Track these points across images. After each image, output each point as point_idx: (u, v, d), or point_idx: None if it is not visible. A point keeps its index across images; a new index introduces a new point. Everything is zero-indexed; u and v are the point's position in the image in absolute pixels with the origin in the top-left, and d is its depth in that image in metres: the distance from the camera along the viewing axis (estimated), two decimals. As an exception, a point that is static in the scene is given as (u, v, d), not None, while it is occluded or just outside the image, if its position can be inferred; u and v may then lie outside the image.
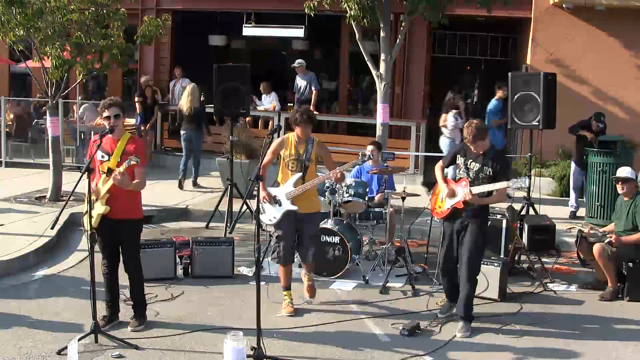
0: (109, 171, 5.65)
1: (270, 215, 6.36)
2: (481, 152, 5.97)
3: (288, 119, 6.47)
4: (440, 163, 6.33)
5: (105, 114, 5.71)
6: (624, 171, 7.36)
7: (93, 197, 5.65)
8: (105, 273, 5.92)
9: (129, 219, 5.80)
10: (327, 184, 7.51)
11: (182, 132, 11.71)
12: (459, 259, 6.08)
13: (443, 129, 11.26)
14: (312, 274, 6.72)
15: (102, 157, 5.73)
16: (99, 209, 5.65)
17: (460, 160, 6.12)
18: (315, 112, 13.12)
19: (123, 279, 5.98)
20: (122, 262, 5.92)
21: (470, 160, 6.02)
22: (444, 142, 11.31)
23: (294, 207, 6.26)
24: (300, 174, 6.29)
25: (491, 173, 5.92)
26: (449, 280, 6.29)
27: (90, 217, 5.54)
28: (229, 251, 7.41)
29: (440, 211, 6.18)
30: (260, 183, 6.21)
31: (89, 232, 5.51)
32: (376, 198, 8.27)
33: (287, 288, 6.47)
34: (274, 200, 6.31)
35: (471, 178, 5.97)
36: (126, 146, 5.71)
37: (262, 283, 5.46)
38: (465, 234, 6.03)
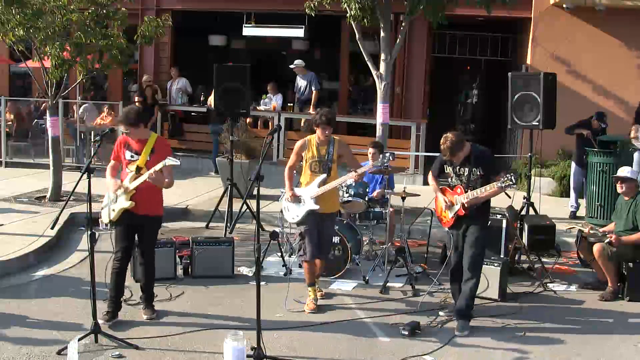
0: (137, 169, 5.85)
1: (294, 213, 6.56)
2: (464, 158, 6.05)
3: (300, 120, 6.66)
4: (431, 174, 6.41)
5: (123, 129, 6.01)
6: (623, 171, 7.37)
7: (119, 192, 5.86)
8: (116, 267, 6.00)
9: (151, 215, 5.99)
10: None
11: (210, 126, 12.61)
12: (463, 257, 6.11)
13: (634, 142, 9.76)
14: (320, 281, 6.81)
15: (132, 156, 5.94)
16: (124, 203, 5.83)
17: (448, 169, 6.21)
18: (314, 112, 13.30)
19: (128, 280, 6.08)
20: (137, 255, 6.17)
21: (458, 167, 6.12)
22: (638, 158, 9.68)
23: (316, 207, 6.42)
24: (324, 175, 6.44)
25: (481, 172, 6.02)
26: (459, 286, 6.25)
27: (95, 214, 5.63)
28: (229, 251, 7.41)
29: (446, 220, 6.26)
30: (287, 184, 6.59)
31: (89, 232, 5.52)
32: (375, 192, 8.25)
33: (312, 284, 6.56)
34: (299, 200, 6.50)
35: (464, 183, 6.06)
36: (154, 145, 5.94)
37: (262, 283, 5.46)
38: (467, 233, 6.08)
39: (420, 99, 14.06)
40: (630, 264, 6.96)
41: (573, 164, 10.46)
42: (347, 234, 7.40)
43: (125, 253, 6.02)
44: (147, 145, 5.92)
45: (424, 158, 12.49)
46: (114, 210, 5.85)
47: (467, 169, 6.05)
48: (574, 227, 9.18)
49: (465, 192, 6.00)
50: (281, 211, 6.90)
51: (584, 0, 11.78)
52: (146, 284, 6.19)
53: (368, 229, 8.14)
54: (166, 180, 5.89)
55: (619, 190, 7.31)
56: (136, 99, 13.46)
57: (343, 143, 6.64)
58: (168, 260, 7.23)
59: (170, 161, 5.69)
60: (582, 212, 10.13)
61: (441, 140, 6.00)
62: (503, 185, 5.82)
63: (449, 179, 6.23)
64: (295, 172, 6.73)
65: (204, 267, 7.34)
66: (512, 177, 5.81)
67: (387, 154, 6.56)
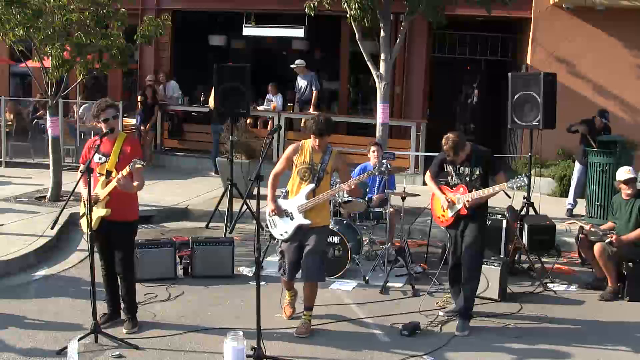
0: (108, 173, 5.66)
1: (282, 229, 5.91)
2: (465, 157, 6.03)
3: (304, 123, 6.13)
4: (429, 173, 6.36)
5: (103, 116, 5.66)
6: (630, 171, 7.31)
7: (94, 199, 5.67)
8: (104, 274, 5.94)
9: (125, 220, 5.80)
10: None
11: (212, 125, 12.60)
12: (462, 257, 6.11)
13: None
14: (311, 310, 5.97)
15: (100, 158, 5.72)
16: (100, 211, 5.65)
17: (449, 168, 6.18)
18: (315, 112, 13.31)
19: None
20: (115, 262, 5.85)
21: (459, 166, 6.10)
22: None
23: (307, 222, 5.80)
24: (312, 185, 5.81)
25: (482, 172, 6.01)
26: (458, 285, 6.25)
27: (90, 219, 5.54)
28: (229, 251, 7.41)
29: (445, 220, 6.23)
30: (269, 195, 5.95)
31: (89, 232, 5.52)
32: (375, 198, 8.25)
33: (291, 288, 6.32)
34: (285, 214, 5.88)
35: (466, 182, 6.05)
36: (123, 146, 5.71)
37: (262, 283, 5.46)
38: (466, 233, 6.08)
39: (420, 99, 14.06)
40: (630, 264, 6.96)
41: (577, 163, 10.46)
42: (347, 234, 7.40)
43: (109, 258, 5.87)
44: (116, 146, 5.67)
45: (424, 158, 12.48)
46: (92, 219, 5.57)
47: (467, 169, 6.05)
48: (574, 223, 9.16)
49: (469, 191, 5.99)
50: (266, 225, 6.14)
51: (584, 0, 11.79)
52: (126, 294, 5.86)
53: (368, 229, 8.14)
54: (136, 183, 5.64)
55: (626, 191, 7.21)
56: (138, 98, 13.49)
57: (340, 156, 6.04)
58: (168, 260, 7.23)
59: (136, 164, 5.40)
60: (579, 210, 10.13)
61: (443, 141, 5.98)
62: (515, 185, 5.83)
63: (449, 178, 6.21)
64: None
65: (204, 267, 7.34)
66: (525, 178, 5.83)
67: (385, 162, 6.31)
